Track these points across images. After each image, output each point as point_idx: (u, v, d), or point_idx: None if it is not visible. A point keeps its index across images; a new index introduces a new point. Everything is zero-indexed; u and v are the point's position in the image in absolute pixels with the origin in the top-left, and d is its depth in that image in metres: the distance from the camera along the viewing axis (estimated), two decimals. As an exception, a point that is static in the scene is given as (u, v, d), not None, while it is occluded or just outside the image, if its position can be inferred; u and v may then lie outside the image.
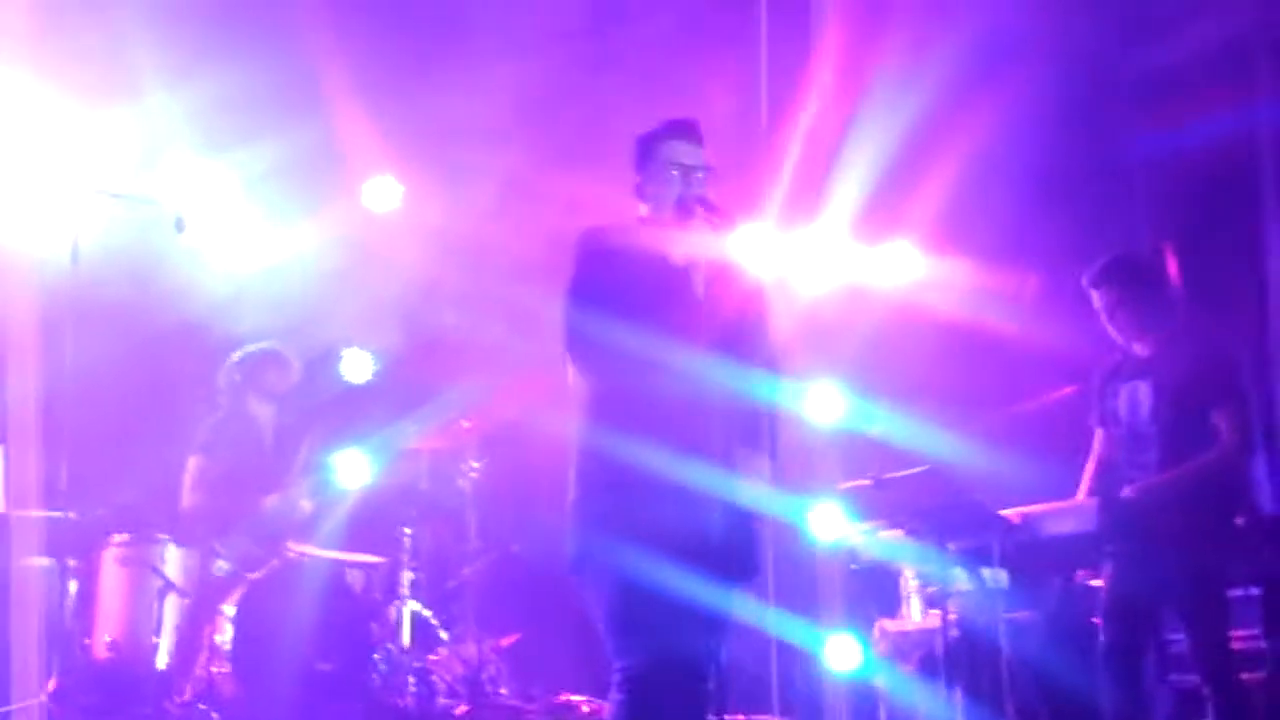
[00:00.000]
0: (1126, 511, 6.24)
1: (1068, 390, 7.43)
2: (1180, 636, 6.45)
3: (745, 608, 5.08)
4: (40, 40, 7.37)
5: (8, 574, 6.83)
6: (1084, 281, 6.59)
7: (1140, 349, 6.50)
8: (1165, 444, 6.33)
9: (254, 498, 7.73)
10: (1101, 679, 6.31)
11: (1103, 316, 6.55)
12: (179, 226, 7.60)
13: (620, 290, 4.95)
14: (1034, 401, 7.77)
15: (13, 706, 6.48)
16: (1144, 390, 6.42)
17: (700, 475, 4.89)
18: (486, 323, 8.67)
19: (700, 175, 5.16)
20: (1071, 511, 6.32)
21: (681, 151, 5.18)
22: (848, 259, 8.49)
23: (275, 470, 7.90)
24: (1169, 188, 8.33)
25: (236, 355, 8.09)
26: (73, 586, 7.30)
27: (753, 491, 5.01)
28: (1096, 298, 6.55)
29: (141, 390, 8.23)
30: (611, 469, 4.93)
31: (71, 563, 7.29)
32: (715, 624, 4.98)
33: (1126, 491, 6.31)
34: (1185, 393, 6.31)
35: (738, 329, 5.03)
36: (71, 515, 7.19)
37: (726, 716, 5.20)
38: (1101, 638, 6.35)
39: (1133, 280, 6.52)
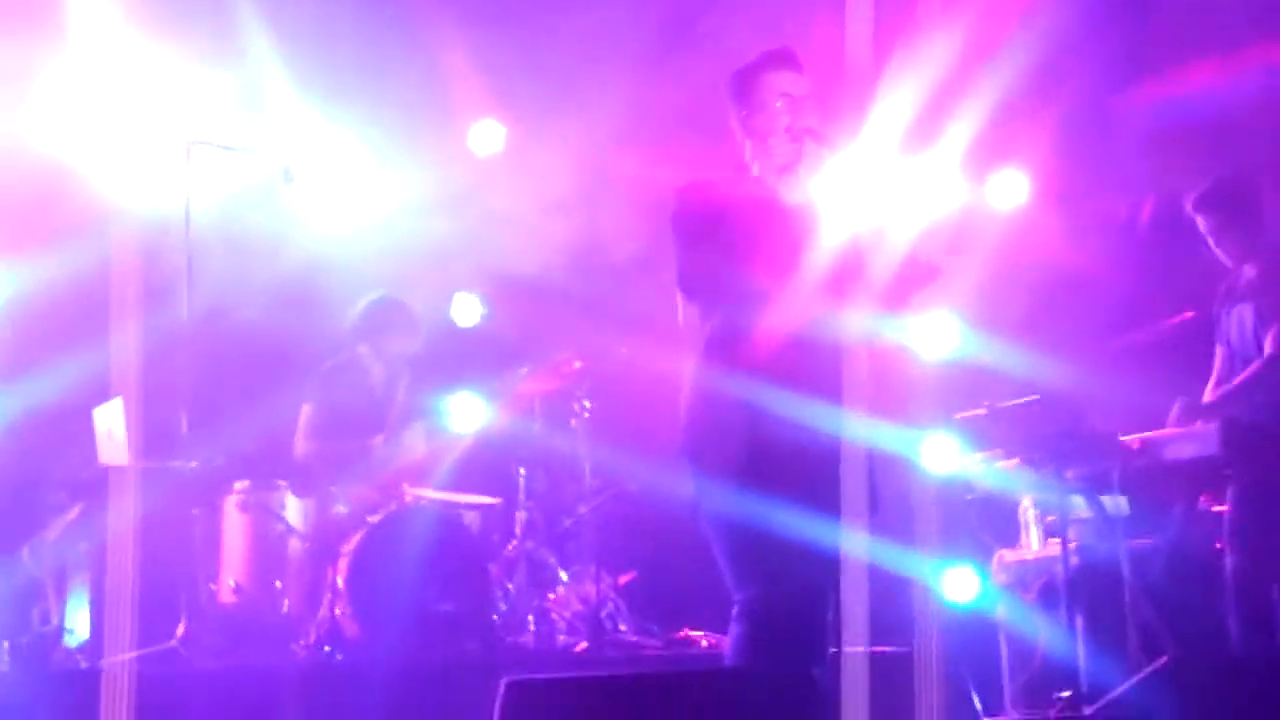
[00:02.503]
0: (1246, 435, 6.17)
1: (1185, 315, 7.35)
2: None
3: (857, 540, 5.07)
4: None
5: (137, 523, 6.94)
6: (1188, 206, 6.55)
7: (1249, 270, 6.45)
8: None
9: (365, 443, 7.80)
10: (1228, 604, 6.26)
11: (1210, 240, 6.51)
12: (287, 177, 7.67)
13: (729, 229, 4.95)
14: (1152, 327, 7.68)
15: (144, 651, 6.61)
16: (1248, 312, 6.39)
17: (811, 413, 4.88)
18: (593, 265, 8.69)
19: (805, 103, 5.13)
20: (1192, 436, 6.26)
21: (784, 81, 5.13)
22: (958, 189, 8.40)
23: (387, 414, 7.96)
24: (1272, 121, 8.19)
25: (363, 303, 8.08)
26: (196, 534, 7.42)
27: (866, 426, 5.00)
28: (1201, 221, 6.53)
29: (257, 340, 8.32)
30: (724, 406, 4.94)
31: (195, 511, 7.41)
32: (832, 558, 4.98)
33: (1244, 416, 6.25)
34: (1275, 313, 6.25)
35: (846, 265, 5.01)
36: (193, 465, 7.31)
37: (846, 648, 5.19)
38: (1229, 563, 6.29)
39: (1236, 203, 6.50)
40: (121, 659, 5.49)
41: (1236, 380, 6.34)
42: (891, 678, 6.05)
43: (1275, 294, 6.30)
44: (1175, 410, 6.41)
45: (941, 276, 5.21)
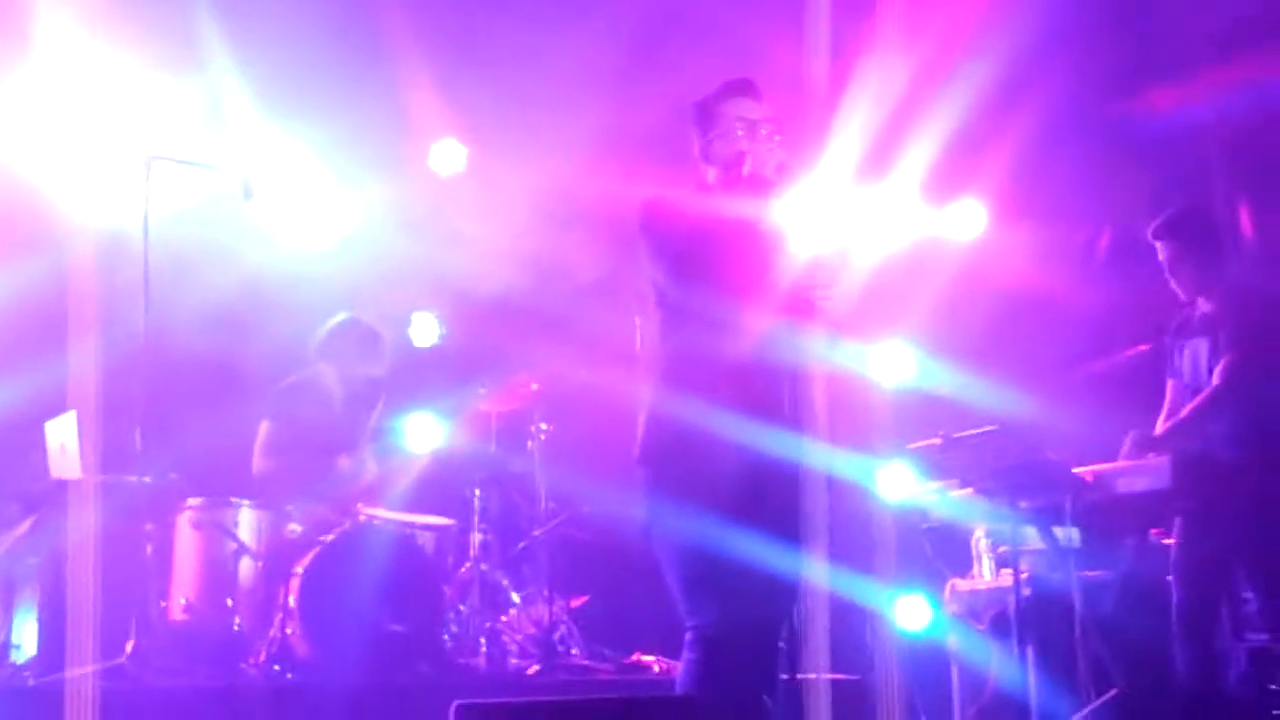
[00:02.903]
0: (1196, 470, 6.21)
1: (1140, 348, 7.39)
2: (1252, 595, 6.42)
3: (814, 568, 5.08)
4: (109, 9, 7.41)
5: (89, 538, 6.89)
6: (1149, 233, 6.59)
7: (1203, 304, 6.48)
8: None
9: (325, 461, 7.78)
10: (1175, 638, 6.29)
11: (1165, 269, 6.54)
12: (247, 193, 7.64)
13: (695, 253, 4.97)
14: (1106, 359, 7.73)
15: (93, 668, 6.56)
16: (1203, 347, 6.42)
17: (767, 437, 4.89)
18: (552, 286, 8.69)
19: (764, 131, 5.16)
20: (1145, 469, 6.29)
21: (744, 108, 5.18)
22: (916, 218, 8.44)
23: (346, 433, 7.94)
24: (1245, 145, 8.25)
25: (334, 321, 8.01)
26: (148, 550, 7.37)
27: (820, 453, 5.02)
28: (1160, 249, 6.56)
29: (213, 355, 8.28)
30: (680, 430, 4.95)
31: (147, 527, 7.35)
32: (786, 584, 4.99)
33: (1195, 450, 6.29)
34: (1240, 344, 6.28)
35: (802, 290, 5.03)
36: (147, 479, 7.26)
37: (799, 676, 5.20)
38: (1175, 597, 6.33)
39: (1194, 233, 6.52)
40: (84, 672, 5.44)
41: (1184, 411, 6.37)
42: (847, 706, 6.07)
43: (1229, 328, 6.33)
44: (1127, 442, 6.44)
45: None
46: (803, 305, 5.04)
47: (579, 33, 8.30)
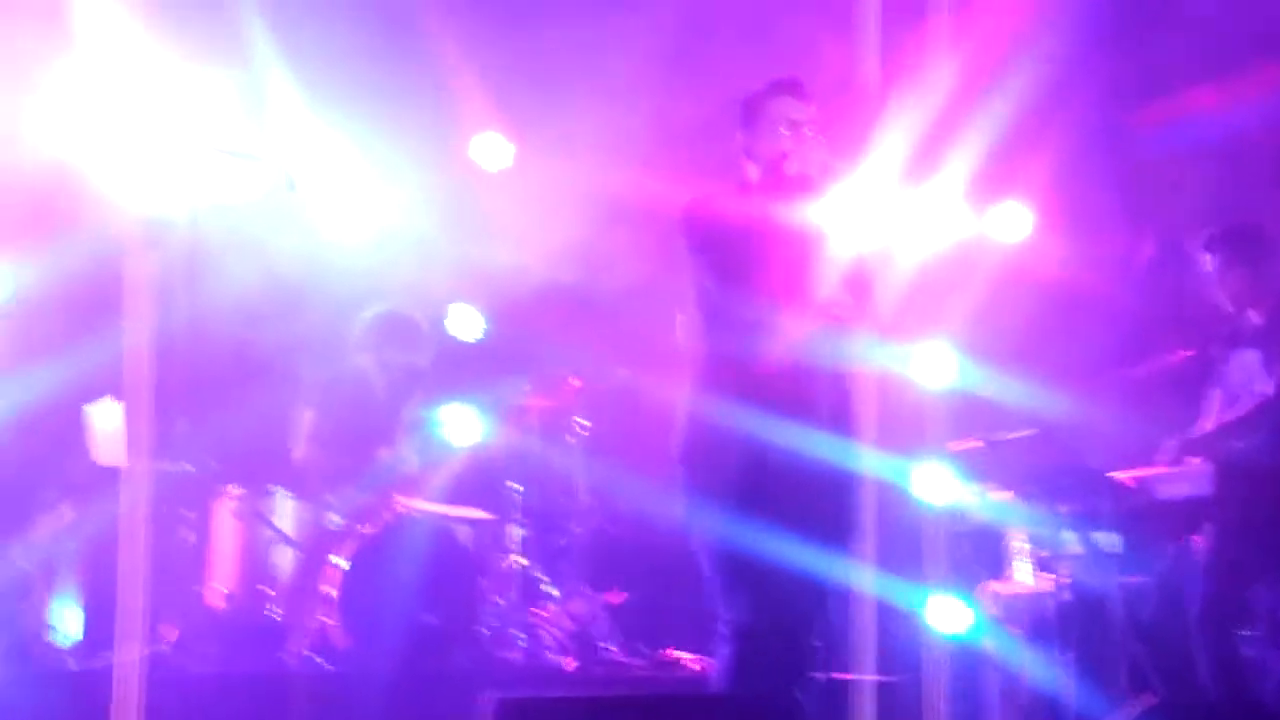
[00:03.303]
0: (1238, 477, 6.18)
1: (1182, 355, 7.36)
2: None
3: (852, 568, 5.08)
4: (153, 1, 7.44)
5: (129, 526, 6.93)
6: (1199, 244, 6.56)
7: (1255, 316, 6.45)
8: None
9: (366, 452, 7.79)
10: (1195, 640, 6.26)
11: (1214, 281, 6.51)
12: (290, 185, 7.65)
13: (737, 254, 4.97)
14: (1148, 365, 7.69)
15: (135, 655, 6.59)
16: (1252, 358, 6.38)
17: (805, 439, 4.90)
18: (596, 282, 8.69)
19: (809, 131, 5.16)
20: (1186, 475, 6.27)
21: (790, 108, 5.18)
22: (960, 219, 8.41)
23: (386, 425, 7.96)
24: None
25: (370, 312, 8.03)
26: (189, 538, 7.42)
27: (859, 454, 5.02)
28: (1209, 261, 6.54)
29: (254, 345, 8.31)
30: (718, 430, 4.95)
31: (188, 514, 7.40)
32: (821, 583, 5.00)
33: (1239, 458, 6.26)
34: None
35: (847, 291, 5.03)
36: (188, 467, 7.30)
37: (834, 675, 5.21)
38: (1199, 599, 6.30)
39: (1246, 246, 6.51)
40: (132, 659, 5.47)
41: (1229, 415, 6.34)
42: (886, 708, 6.05)
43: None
44: (1170, 447, 6.41)
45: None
46: (844, 306, 5.04)
47: (624, 27, 8.30)
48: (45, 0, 7.31)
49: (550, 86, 8.51)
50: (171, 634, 7.06)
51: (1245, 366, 6.41)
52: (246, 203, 8.12)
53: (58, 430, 7.39)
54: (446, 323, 8.79)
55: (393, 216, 8.68)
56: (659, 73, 8.16)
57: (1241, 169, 8.37)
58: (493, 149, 8.86)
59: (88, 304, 7.27)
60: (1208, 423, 6.53)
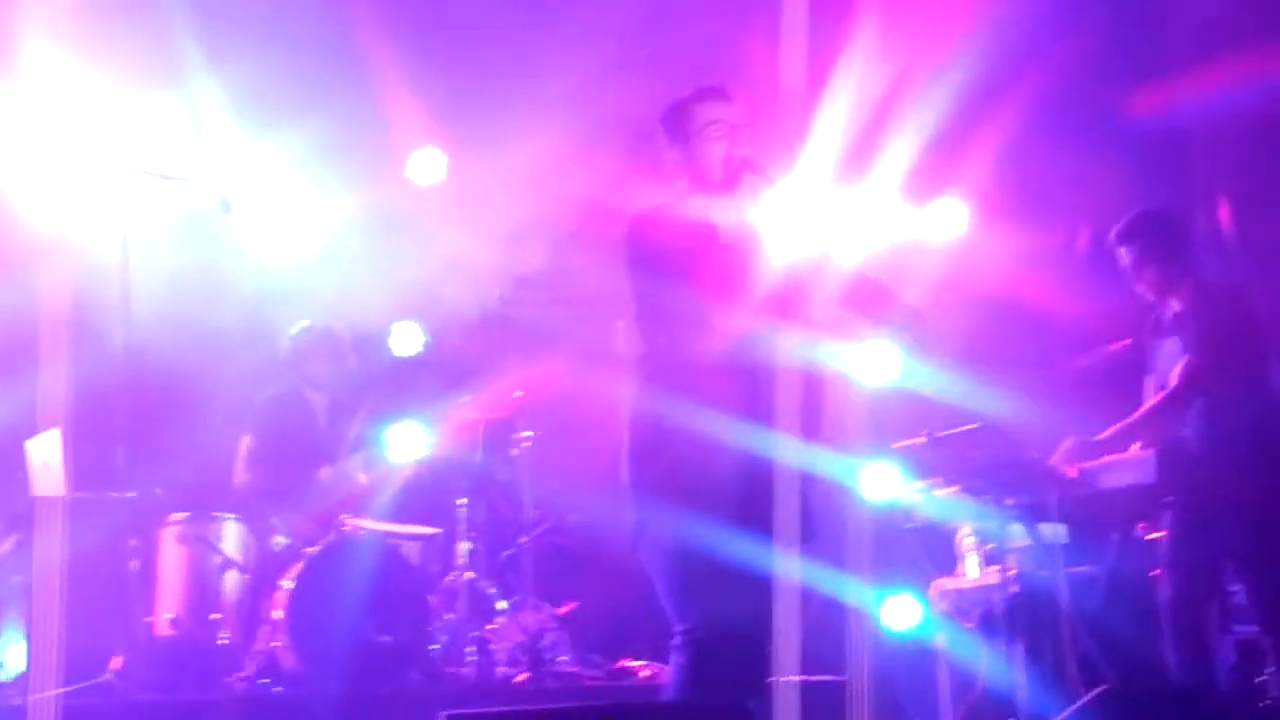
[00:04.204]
0: (1182, 464, 6.21)
1: (1123, 343, 7.39)
2: (1240, 588, 6.42)
3: (802, 569, 5.07)
4: (84, 25, 7.38)
5: (73, 556, 6.87)
6: (1109, 239, 6.58)
7: (1175, 304, 6.46)
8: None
9: (308, 473, 7.77)
10: (1166, 634, 6.29)
11: (1131, 274, 6.53)
12: (225, 207, 7.61)
13: (675, 260, 4.98)
14: (1088, 357, 7.72)
15: (78, 685, 6.54)
16: (1175, 347, 6.40)
17: (753, 438, 4.90)
18: (535, 293, 8.68)
19: (740, 134, 5.17)
20: (1129, 464, 6.29)
21: (717, 111, 5.19)
22: (897, 218, 8.44)
23: (329, 445, 7.93)
24: (1226, 142, 8.25)
25: (292, 331, 8.10)
26: (133, 565, 7.35)
27: (806, 453, 5.02)
28: (1122, 254, 6.55)
29: (195, 370, 8.26)
30: (665, 433, 4.95)
31: (131, 542, 7.33)
32: (774, 586, 4.99)
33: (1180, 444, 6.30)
34: (1214, 343, 6.29)
35: (785, 291, 5.04)
36: (131, 495, 7.24)
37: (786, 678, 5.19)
38: (1165, 592, 6.33)
39: (1156, 236, 6.50)
40: (48, 695, 5.42)
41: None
42: (827, 707, 6.05)
43: (1194, 328, 6.32)
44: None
45: (894, 298, 5.25)
46: (784, 306, 5.05)
47: (556, 39, 8.30)
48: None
49: (484, 100, 8.50)
50: (118, 663, 6.99)
51: (1170, 355, 6.43)
52: (182, 225, 8.10)
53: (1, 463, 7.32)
54: (389, 340, 8.76)
55: (329, 235, 8.63)
56: (591, 82, 8.14)
57: (1177, 164, 8.43)
58: (428, 163, 8.83)
59: (26, 335, 7.20)
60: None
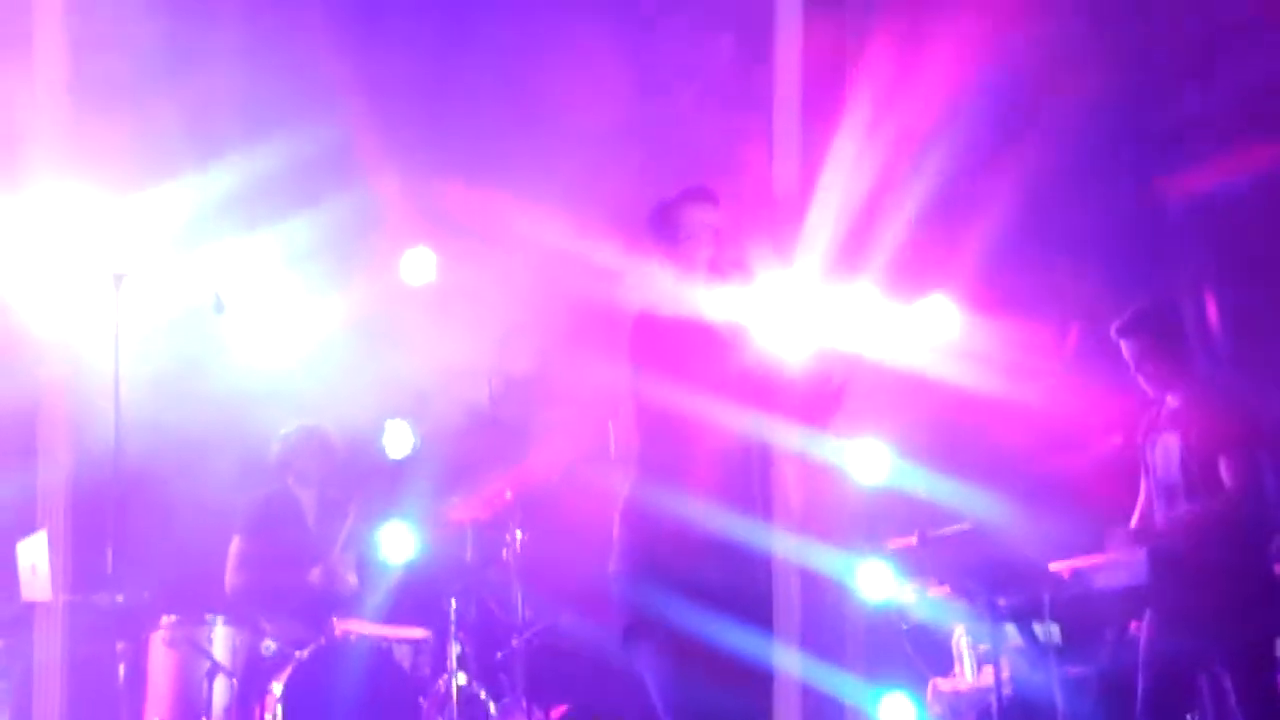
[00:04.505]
0: (1168, 564, 6.20)
1: (1113, 442, 7.39)
2: (1229, 686, 6.39)
3: (794, 666, 5.06)
4: (75, 127, 7.43)
5: (61, 661, 6.83)
6: (1112, 332, 6.61)
7: (1172, 400, 6.50)
8: (1194, 496, 6.31)
9: (298, 575, 7.74)
10: None
11: (1131, 366, 6.56)
12: (218, 307, 7.63)
13: (673, 358, 5.00)
14: (1080, 454, 7.72)
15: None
16: (1172, 442, 6.42)
17: (747, 532, 4.90)
18: (525, 393, 8.68)
19: (724, 236, 5.22)
20: (1122, 564, 6.28)
21: (702, 214, 5.23)
22: (885, 316, 8.46)
23: (319, 545, 7.90)
24: (1211, 238, 8.30)
25: (280, 433, 8.12)
26: (121, 670, 7.30)
27: (796, 548, 5.02)
28: (1125, 348, 6.58)
29: (185, 470, 8.24)
30: (658, 528, 4.94)
31: (119, 646, 7.28)
32: (769, 685, 4.97)
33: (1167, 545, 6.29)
34: (1206, 443, 6.30)
35: (775, 389, 5.06)
36: (119, 599, 7.20)
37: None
38: (1140, 686, 6.30)
39: (1159, 330, 6.55)
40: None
41: (1186, 520, 6.32)
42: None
43: (1206, 425, 6.34)
44: (1117, 536, 6.41)
45: (846, 401, 5.24)
46: (774, 404, 5.06)
47: (549, 139, 8.35)
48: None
49: (476, 199, 8.53)
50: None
51: (1166, 451, 6.45)
52: (174, 326, 8.11)
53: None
54: (381, 439, 8.75)
55: (321, 335, 8.65)
56: (580, 184, 8.20)
57: (1163, 258, 8.46)
58: (419, 263, 8.85)
59: (13, 437, 7.20)
60: (1138, 515, 6.56)
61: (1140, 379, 6.55)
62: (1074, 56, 8.13)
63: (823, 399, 5.15)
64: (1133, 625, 6.61)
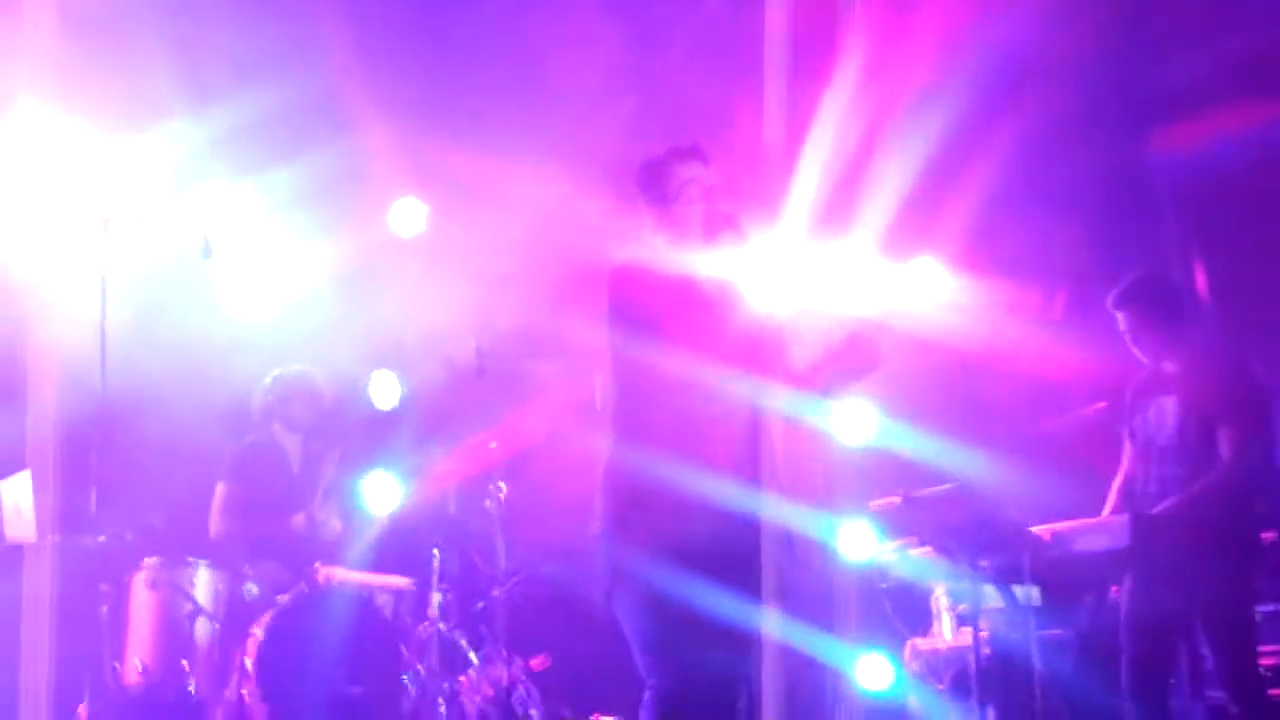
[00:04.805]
0: (1157, 529, 6.22)
1: (1098, 406, 7.41)
2: (1208, 653, 6.43)
3: (775, 625, 5.07)
4: (64, 69, 7.39)
5: (51, 601, 6.84)
6: (1108, 303, 6.63)
7: (1169, 365, 6.53)
8: (1187, 460, 6.35)
9: (282, 521, 7.75)
10: (1125, 694, 6.29)
11: (1127, 337, 6.59)
12: (205, 252, 7.61)
13: (654, 313, 4.99)
14: (1065, 417, 7.74)
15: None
16: (1170, 405, 6.46)
17: (728, 492, 4.90)
18: (512, 346, 8.67)
19: (715, 192, 5.20)
20: (1103, 527, 6.31)
21: (692, 171, 5.22)
22: (875, 277, 8.46)
23: (303, 493, 7.92)
24: (1199, 202, 8.31)
25: (267, 379, 8.12)
26: (103, 611, 7.30)
27: (783, 508, 5.03)
28: (1121, 319, 6.61)
29: (170, 414, 8.23)
30: (640, 486, 4.95)
31: (102, 587, 7.29)
32: (746, 642, 4.98)
33: (1155, 510, 6.31)
34: (1205, 409, 6.33)
35: (763, 346, 5.06)
36: (101, 540, 7.20)
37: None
38: (1124, 652, 6.33)
39: (1155, 300, 6.59)
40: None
41: (1198, 489, 6.32)
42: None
43: (1206, 391, 6.36)
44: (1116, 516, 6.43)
45: (881, 358, 5.26)
46: (762, 363, 5.06)
47: (541, 93, 8.33)
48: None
49: (467, 152, 8.51)
50: (85, 710, 6.94)
51: (1161, 412, 6.48)
52: (162, 270, 8.09)
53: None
54: (367, 388, 8.75)
55: (309, 282, 8.63)
56: (575, 137, 8.18)
57: (1151, 223, 8.46)
58: (409, 214, 8.83)
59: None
60: (1120, 477, 6.58)
61: (1135, 348, 6.58)
62: (1065, 17, 8.11)
63: (857, 358, 5.15)
64: (1113, 589, 6.65)
